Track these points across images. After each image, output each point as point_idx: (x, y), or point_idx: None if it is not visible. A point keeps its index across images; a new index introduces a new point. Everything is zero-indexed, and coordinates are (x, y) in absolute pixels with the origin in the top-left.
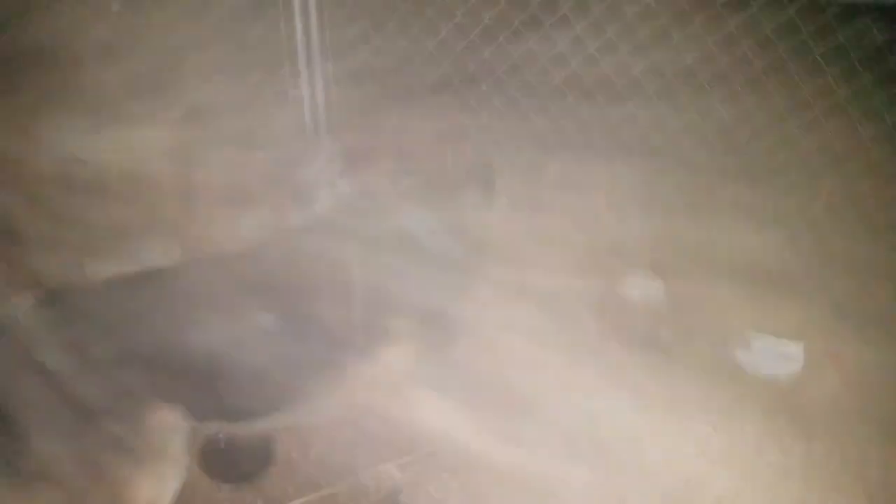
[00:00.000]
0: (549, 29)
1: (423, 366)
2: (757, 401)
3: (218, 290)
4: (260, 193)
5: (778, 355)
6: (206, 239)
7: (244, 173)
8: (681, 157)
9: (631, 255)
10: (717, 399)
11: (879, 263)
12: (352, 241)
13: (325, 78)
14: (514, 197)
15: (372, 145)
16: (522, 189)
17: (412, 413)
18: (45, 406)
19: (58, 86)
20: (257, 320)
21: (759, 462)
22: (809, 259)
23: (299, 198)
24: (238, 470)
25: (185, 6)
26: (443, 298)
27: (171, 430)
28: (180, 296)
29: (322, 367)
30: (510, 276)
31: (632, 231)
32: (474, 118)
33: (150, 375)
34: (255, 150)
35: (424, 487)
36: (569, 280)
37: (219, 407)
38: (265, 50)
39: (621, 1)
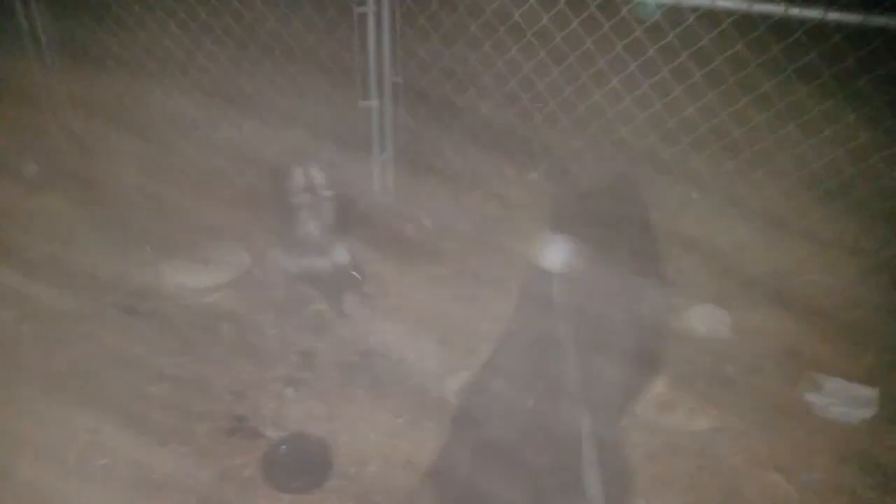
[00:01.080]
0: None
1: None
2: (826, 446)
3: None
4: None
5: (850, 399)
6: None
7: None
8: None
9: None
10: (784, 441)
11: None
12: None
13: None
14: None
15: None
16: None
17: None
18: None
19: None
20: None
21: None
22: (889, 300)
23: None
24: (298, 481)
25: None
26: None
27: None
28: None
29: None
30: None
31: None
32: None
33: None
34: None
35: None
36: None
37: None
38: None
39: None
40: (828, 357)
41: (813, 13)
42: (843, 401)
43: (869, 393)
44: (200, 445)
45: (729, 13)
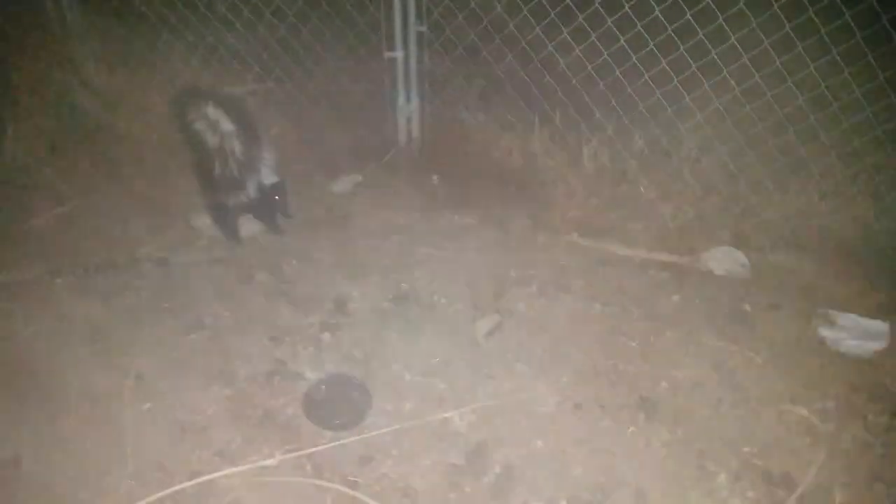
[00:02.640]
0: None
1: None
2: (839, 377)
3: None
4: None
5: (862, 333)
6: None
7: None
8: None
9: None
10: (799, 373)
11: None
12: None
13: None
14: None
15: None
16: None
17: None
18: None
19: None
20: None
21: (841, 436)
22: None
23: None
24: (338, 418)
25: None
26: None
27: None
28: None
29: None
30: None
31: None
32: None
33: None
34: None
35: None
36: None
37: None
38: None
39: None
40: (842, 294)
41: None
42: (856, 335)
43: (881, 326)
44: (242, 388)
45: None
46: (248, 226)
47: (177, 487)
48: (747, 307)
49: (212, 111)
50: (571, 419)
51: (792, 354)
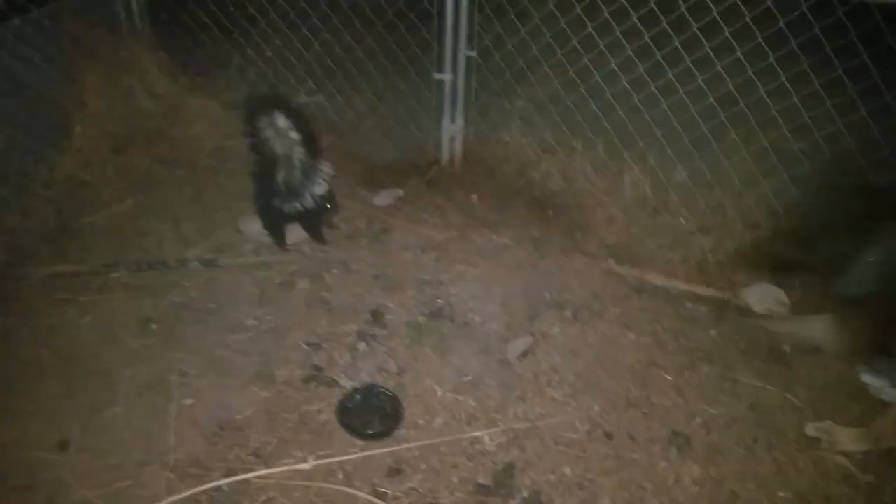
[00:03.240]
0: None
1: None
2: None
3: None
4: None
5: None
6: None
7: None
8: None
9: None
10: (839, 420)
11: None
12: None
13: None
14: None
15: None
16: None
17: None
18: None
19: None
20: None
21: (882, 488)
22: None
23: None
24: (370, 428)
25: None
26: None
27: None
28: None
29: None
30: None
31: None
32: None
33: None
34: None
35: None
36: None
37: None
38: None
39: None
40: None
41: None
42: None
43: None
44: (279, 391)
45: None
46: (294, 233)
47: (213, 484)
48: (786, 348)
49: (282, 120)
50: (602, 448)
51: (832, 399)
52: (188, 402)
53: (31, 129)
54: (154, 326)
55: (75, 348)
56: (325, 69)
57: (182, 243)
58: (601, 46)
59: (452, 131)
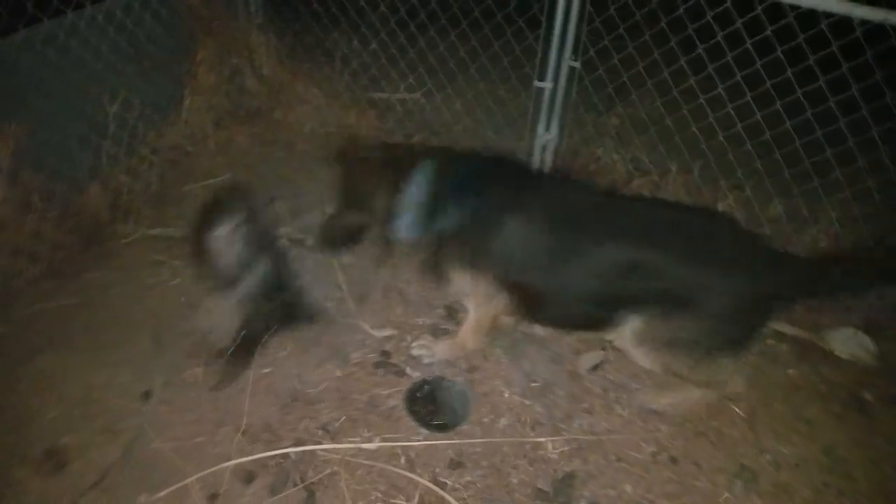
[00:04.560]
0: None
1: None
2: None
3: None
4: None
5: None
6: None
7: None
8: None
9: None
10: None
11: None
12: None
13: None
14: None
15: None
16: None
17: None
18: None
19: None
20: None
21: None
22: None
23: None
24: (436, 419)
25: None
26: None
27: None
28: None
29: None
30: None
31: None
32: None
33: None
34: None
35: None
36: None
37: None
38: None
39: None
40: None
41: None
42: None
43: None
44: (352, 372)
45: None
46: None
47: (281, 451)
48: (868, 396)
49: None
50: (665, 472)
51: None
52: (266, 370)
53: (146, 96)
54: None
55: (165, 308)
56: (428, 67)
57: (273, 220)
58: (710, 69)
59: (545, 140)
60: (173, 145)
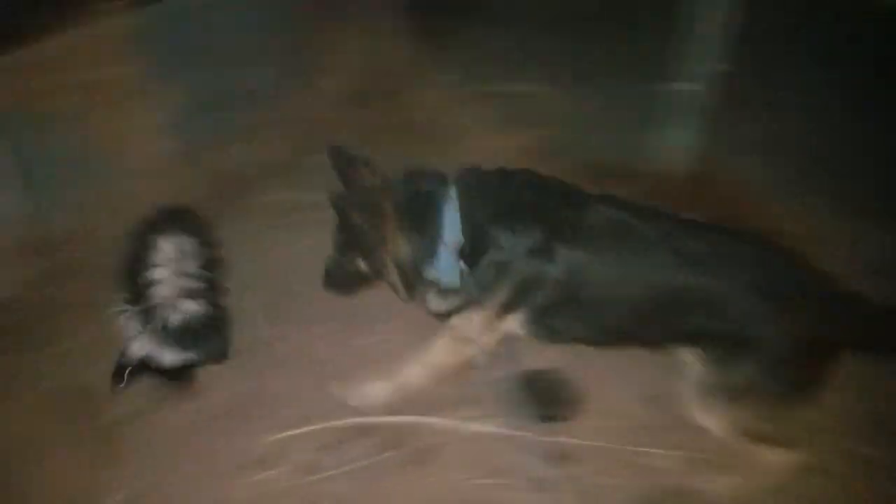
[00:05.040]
0: None
1: None
2: None
3: None
4: None
5: None
6: None
7: None
8: None
9: None
10: None
11: None
12: None
13: None
14: None
15: None
16: None
17: None
18: None
19: None
20: None
21: None
22: None
23: None
24: (547, 410)
25: None
26: None
27: None
28: None
29: None
30: None
31: None
32: None
33: None
34: None
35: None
36: None
37: None
38: None
39: None
40: None
41: None
42: None
43: None
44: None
45: None
46: None
47: (389, 419)
48: None
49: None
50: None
51: None
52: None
53: (287, 66)
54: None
55: (286, 272)
56: (557, 61)
57: None
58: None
59: (679, 144)
60: (305, 117)
